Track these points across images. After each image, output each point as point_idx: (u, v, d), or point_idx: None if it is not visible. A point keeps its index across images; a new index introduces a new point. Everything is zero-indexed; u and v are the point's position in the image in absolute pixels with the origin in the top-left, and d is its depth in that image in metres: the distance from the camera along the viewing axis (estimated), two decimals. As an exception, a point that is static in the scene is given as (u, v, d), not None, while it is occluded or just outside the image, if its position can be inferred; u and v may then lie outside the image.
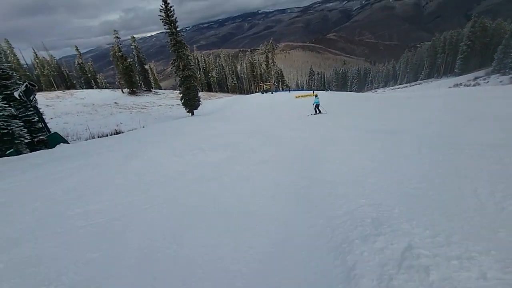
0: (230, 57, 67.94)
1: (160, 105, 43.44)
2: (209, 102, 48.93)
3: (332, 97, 34.43)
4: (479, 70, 57.99)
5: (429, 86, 56.11)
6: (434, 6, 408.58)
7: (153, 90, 54.99)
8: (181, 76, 29.16)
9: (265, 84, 55.61)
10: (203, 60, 69.29)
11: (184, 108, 31.50)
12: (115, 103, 40.44)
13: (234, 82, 67.08)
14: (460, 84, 46.90)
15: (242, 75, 68.95)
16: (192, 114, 32.12)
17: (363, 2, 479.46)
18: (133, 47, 50.29)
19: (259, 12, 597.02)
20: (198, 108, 32.57)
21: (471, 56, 60.80)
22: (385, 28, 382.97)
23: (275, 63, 62.02)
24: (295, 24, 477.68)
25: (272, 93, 55.18)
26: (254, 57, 70.19)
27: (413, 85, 65.25)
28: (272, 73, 60.69)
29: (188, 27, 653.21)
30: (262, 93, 55.50)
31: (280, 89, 66.45)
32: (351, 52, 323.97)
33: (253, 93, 64.47)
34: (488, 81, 42.64)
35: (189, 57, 29.82)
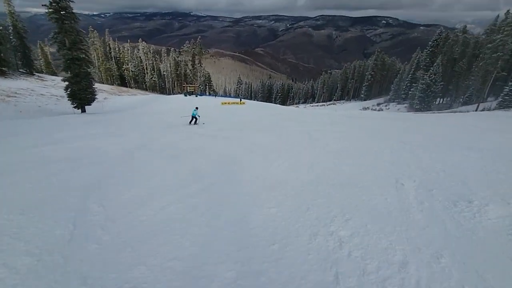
0: (151, 51, 58.78)
1: (42, 94, 32.06)
2: (118, 98, 39.70)
3: (264, 108, 31.47)
4: (379, 98, 66.49)
5: (342, 107, 60.73)
6: (342, 40, 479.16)
7: (36, 74, 41.40)
8: (66, 57, 20.83)
9: (189, 86, 49.56)
10: (116, 49, 57.73)
11: (70, 102, 22.91)
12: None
13: (154, 79, 57.96)
14: (367, 108, 51.78)
15: (165, 73, 60.64)
16: (83, 110, 23.76)
17: (288, 25, 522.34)
18: (6, 12, 36.52)
19: (191, 13, 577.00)
20: (93, 103, 24.45)
21: (373, 84, 69.50)
22: (305, 52, 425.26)
23: (202, 65, 56.68)
24: (226, 33, 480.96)
25: (196, 96, 49.59)
26: (180, 57, 62.97)
27: (329, 104, 70.26)
28: (199, 75, 55.08)
29: (109, 13, 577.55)
30: (185, 95, 49.22)
31: (206, 93, 61.13)
32: (276, 68, 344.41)
33: (177, 94, 57.15)
34: (389, 108, 48.41)
35: (81, 34, 21.73)
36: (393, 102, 56.00)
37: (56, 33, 20.23)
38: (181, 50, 58.92)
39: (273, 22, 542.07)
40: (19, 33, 37.85)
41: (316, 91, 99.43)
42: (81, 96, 22.48)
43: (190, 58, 57.56)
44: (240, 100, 46.46)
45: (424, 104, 42.46)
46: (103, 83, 51.88)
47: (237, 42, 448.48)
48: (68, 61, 20.81)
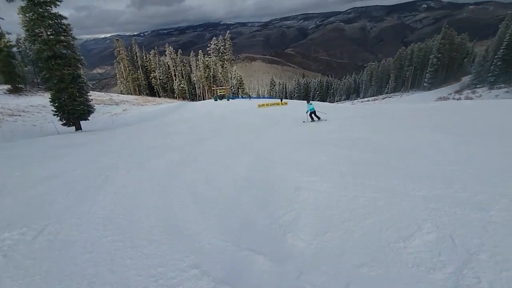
0: (179, 56, 53.38)
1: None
2: (139, 109, 33.93)
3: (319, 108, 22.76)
4: (449, 85, 52.73)
5: (406, 99, 48.75)
6: (377, 31, 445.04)
7: None
8: (42, 54, 14.38)
9: (219, 89, 42.49)
10: (144, 57, 53.38)
11: (58, 118, 16.57)
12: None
13: (182, 85, 52.44)
14: (445, 97, 39.57)
15: (195, 78, 54.97)
16: (77, 128, 17.29)
17: (318, 22, 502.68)
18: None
19: (221, 23, 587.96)
20: (105, 117, 18.02)
21: (440, 70, 55.80)
22: (337, 47, 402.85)
23: (232, 64, 49.58)
24: (255, 38, 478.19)
25: (228, 99, 42.51)
26: (208, 58, 56.42)
27: (384, 98, 58.20)
28: (229, 75, 48.01)
29: (147, 31, 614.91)
30: (216, 100, 42.37)
31: (238, 95, 53.78)
32: (307, 67, 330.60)
33: (208, 99, 50.93)
34: (480, 95, 35.71)
35: (65, 22, 15.17)
36: (478, 87, 42.67)
37: (24, 8, 13.85)
38: (208, 49, 52.43)
39: (302, 21, 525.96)
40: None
41: (360, 85, 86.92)
42: (72, 110, 15.95)
43: (218, 56, 50.56)
44: (281, 100, 38.10)
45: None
46: (131, 94, 47.81)
47: (267, 45, 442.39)
48: (45, 62, 14.33)
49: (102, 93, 39.92)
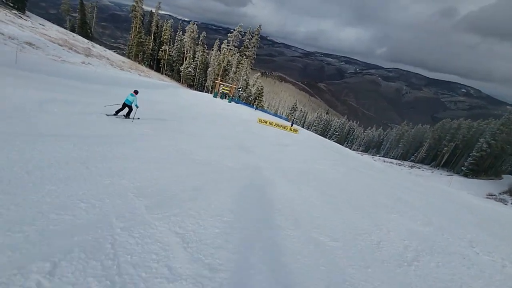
0: (201, 39, 45.42)
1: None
2: (106, 70, 25.29)
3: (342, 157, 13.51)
4: (492, 179, 42.35)
5: (440, 179, 38.71)
6: (411, 97, 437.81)
7: (28, 14, 29.22)
8: None
9: (224, 85, 33.69)
10: (159, 25, 44.76)
11: None
12: None
13: (189, 69, 44.07)
14: (497, 197, 29.40)
15: (210, 68, 46.78)
16: None
17: (357, 69, 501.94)
18: None
19: (267, 38, 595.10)
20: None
21: (486, 158, 45.67)
22: (368, 99, 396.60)
23: (251, 63, 40.96)
24: (294, 62, 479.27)
25: (229, 101, 33.53)
26: (226, 46, 46.73)
27: (413, 167, 48.07)
28: (241, 73, 39.31)
29: (198, 22, 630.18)
30: (215, 97, 33.53)
31: (242, 101, 44.46)
32: (333, 107, 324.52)
33: (208, 93, 42.10)
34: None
35: None
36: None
37: None
38: (229, 35, 43.64)
39: (343, 63, 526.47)
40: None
41: (384, 142, 77.10)
42: None
43: (238, 49, 41.91)
44: (292, 124, 28.85)
45: None
46: (129, 58, 39.77)
47: (303, 73, 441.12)
48: None
49: (82, 38, 31.63)
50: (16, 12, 25.15)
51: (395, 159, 64.16)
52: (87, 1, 45.25)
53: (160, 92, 22.66)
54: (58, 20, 43.47)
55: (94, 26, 46.76)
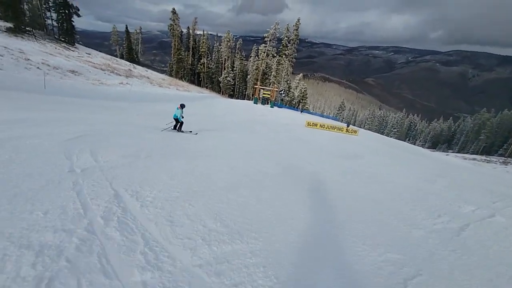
0: (238, 47, 44.31)
1: (23, 58, 19.62)
2: (143, 87, 24.90)
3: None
4: None
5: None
6: (480, 81, 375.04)
7: (77, 45, 31.29)
8: None
9: (264, 89, 31.11)
10: (197, 40, 45.13)
11: None
12: None
13: (228, 79, 42.99)
14: None
15: (249, 75, 45.18)
16: None
17: (409, 58, 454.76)
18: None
19: (306, 40, 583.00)
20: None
21: None
22: (425, 89, 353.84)
23: (292, 63, 37.48)
24: (336, 61, 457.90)
25: (272, 106, 30.78)
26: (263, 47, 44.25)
27: (507, 164, 38.04)
28: (282, 74, 36.16)
29: (236, 35, 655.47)
30: (255, 103, 31.23)
31: (285, 104, 40.93)
32: (386, 101, 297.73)
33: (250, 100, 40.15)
34: None
35: None
36: None
37: None
38: (265, 35, 40.91)
39: (392, 53, 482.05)
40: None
41: (457, 135, 64.82)
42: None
43: (276, 49, 39.05)
44: (348, 126, 24.58)
45: None
46: (171, 76, 40.61)
47: (347, 70, 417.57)
48: None
49: (124, 61, 32.68)
50: (65, 45, 27.20)
51: (477, 154, 52.76)
52: (133, 30, 48.94)
53: (194, 105, 21.27)
54: (110, 52, 47.58)
55: (140, 51, 50.25)
